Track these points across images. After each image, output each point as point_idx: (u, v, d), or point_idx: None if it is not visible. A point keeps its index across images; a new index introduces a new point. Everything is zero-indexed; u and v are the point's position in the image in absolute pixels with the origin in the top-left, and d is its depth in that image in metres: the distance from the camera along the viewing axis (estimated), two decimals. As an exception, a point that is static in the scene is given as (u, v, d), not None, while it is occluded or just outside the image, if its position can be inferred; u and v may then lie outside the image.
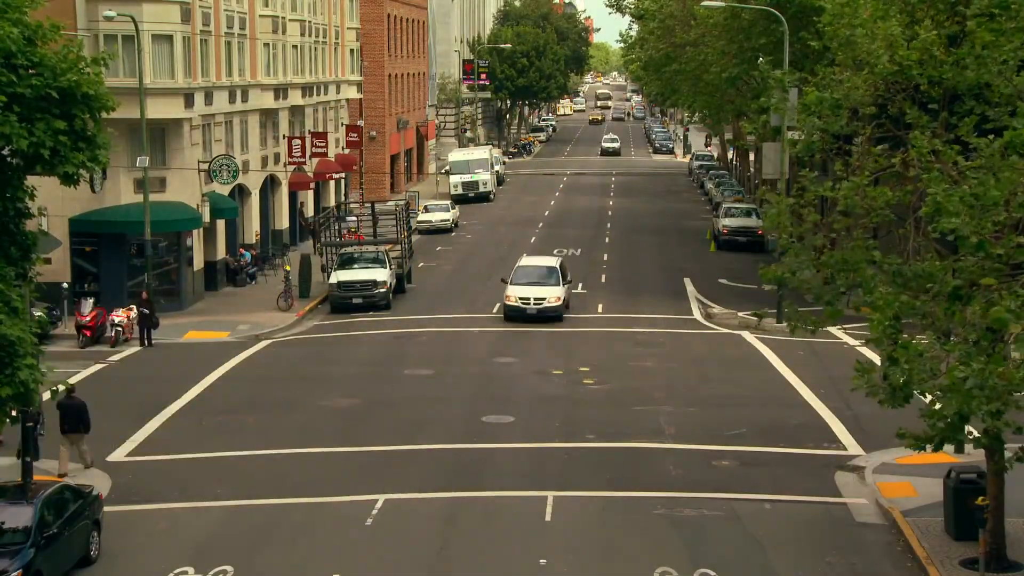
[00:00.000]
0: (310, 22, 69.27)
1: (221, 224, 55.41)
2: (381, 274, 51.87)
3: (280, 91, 63.32)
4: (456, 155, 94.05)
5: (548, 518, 26.76)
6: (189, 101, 50.41)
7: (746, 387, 38.30)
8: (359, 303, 51.05)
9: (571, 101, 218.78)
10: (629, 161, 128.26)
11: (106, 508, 25.97)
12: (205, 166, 52.28)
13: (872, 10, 28.53)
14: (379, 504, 27.45)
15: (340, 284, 51.45)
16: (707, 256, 66.64)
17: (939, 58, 26.00)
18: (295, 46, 65.97)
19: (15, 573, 21.59)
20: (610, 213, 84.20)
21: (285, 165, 64.65)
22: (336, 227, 58.82)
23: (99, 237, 48.88)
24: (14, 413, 24.41)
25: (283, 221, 65.93)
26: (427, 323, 48.73)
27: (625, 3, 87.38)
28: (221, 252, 55.94)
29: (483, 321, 49.01)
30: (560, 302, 48.42)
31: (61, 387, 24.85)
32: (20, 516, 22.85)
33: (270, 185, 64.21)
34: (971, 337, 21.25)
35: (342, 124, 78.18)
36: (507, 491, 28.48)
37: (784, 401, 36.54)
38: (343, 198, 75.81)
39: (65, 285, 47.26)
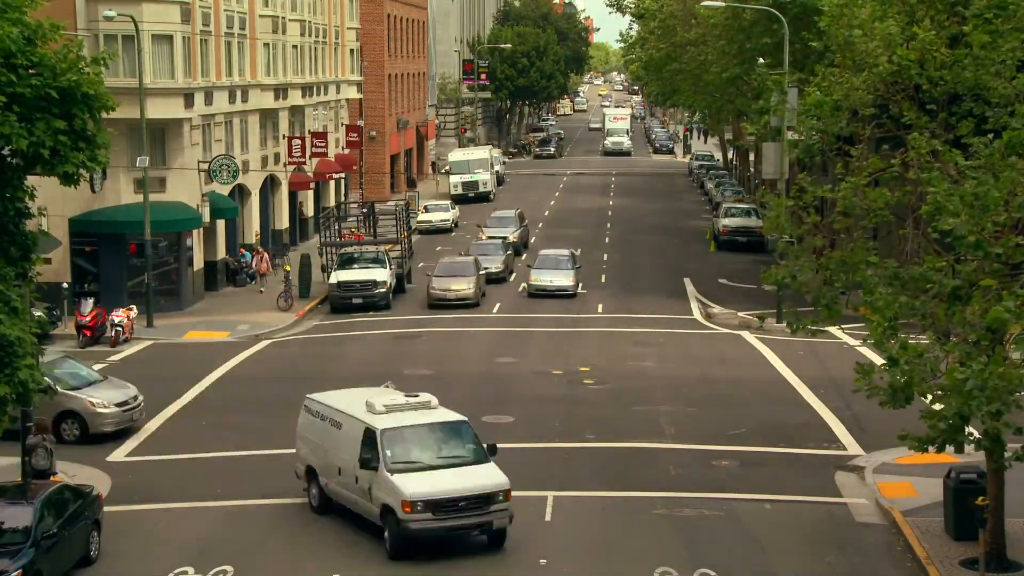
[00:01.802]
0: (310, 22, 69.26)
1: (221, 224, 55.40)
2: (381, 274, 51.88)
3: (280, 91, 63.30)
4: (456, 155, 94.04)
5: (548, 518, 26.78)
6: (189, 101, 50.41)
7: (746, 387, 38.29)
8: (359, 303, 51.05)
9: (571, 101, 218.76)
10: (629, 161, 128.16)
11: (106, 508, 25.97)
12: (205, 166, 52.28)
13: (871, 11, 28.52)
14: (379, 504, 27.42)
15: (340, 284, 51.46)
16: (707, 256, 66.63)
17: (939, 58, 26.01)
18: (295, 46, 65.96)
19: (15, 573, 21.61)
20: (610, 213, 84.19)
21: (285, 165, 64.64)
22: (336, 227, 58.84)
23: (99, 237, 48.86)
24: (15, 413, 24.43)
25: (283, 221, 65.92)
26: (427, 323, 48.71)
27: (625, 3, 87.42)
28: (221, 252, 55.93)
29: (483, 321, 49.01)
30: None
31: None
32: (20, 516, 22.86)
33: (270, 185, 64.19)
34: (971, 337, 21.26)
35: (342, 124, 78.18)
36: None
37: (784, 401, 36.55)
38: (343, 198, 75.82)
39: (65, 285, 47.26)
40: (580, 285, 55.32)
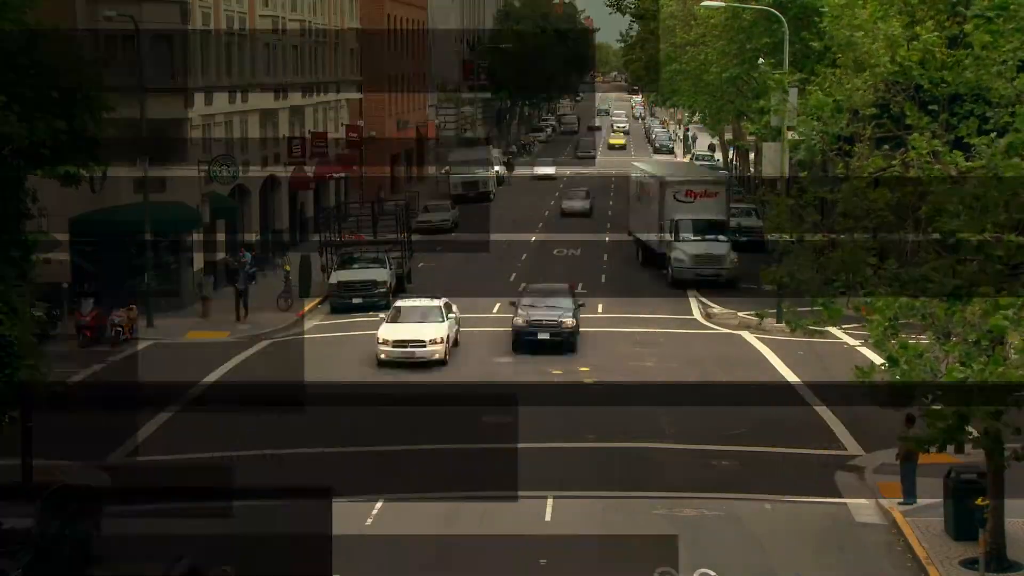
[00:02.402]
0: (310, 22, 69.25)
1: (221, 224, 55.36)
2: (381, 274, 51.84)
3: (280, 91, 63.29)
4: (456, 155, 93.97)
5: (548, 518, 26.77)
6: (189, 101, 50.38)
7: (746, 387, 38.24)
8: (359, 303, 51.00)
9: (571, 100, 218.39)
10: (630, 160, 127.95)
11: (106, 508, 25.94)
12: (205, 166, 52.25)
13: (872, 11, 28.51)
14: (379, 504, 27.44)
15: (340, 284, 51.45)
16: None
17: (940, 59, 25.99)
18: (295, 46, 65.95)
19: (15, 573, 21.58)
20: (610, 213, 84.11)
21: (285, 165, 64.62)
22: (336, 227, 58.77)
23: (99, 237, 48.82)
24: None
25: (283, 221, 65.90)
26: (427, 323, 48.60)
27: (625, 3, 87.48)
28: (221, 252, 55.90)
29: (483, 321, 48.98)
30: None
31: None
32: (20, 516, 22.83)
33: (270, 185, 64.18)
34: (971, 337, 21.25)
35: (342, 124, 78.15)
36: (507, 491, 28.47)
37: (784, 401, 36.53)
38: (343, 198, 75.77)
39: (65, 285, 47.22)
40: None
